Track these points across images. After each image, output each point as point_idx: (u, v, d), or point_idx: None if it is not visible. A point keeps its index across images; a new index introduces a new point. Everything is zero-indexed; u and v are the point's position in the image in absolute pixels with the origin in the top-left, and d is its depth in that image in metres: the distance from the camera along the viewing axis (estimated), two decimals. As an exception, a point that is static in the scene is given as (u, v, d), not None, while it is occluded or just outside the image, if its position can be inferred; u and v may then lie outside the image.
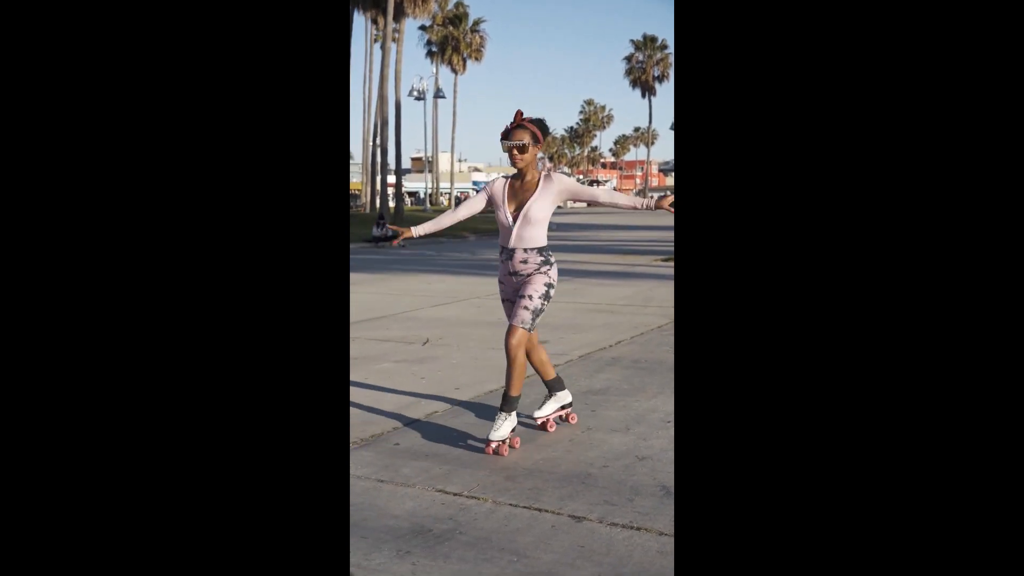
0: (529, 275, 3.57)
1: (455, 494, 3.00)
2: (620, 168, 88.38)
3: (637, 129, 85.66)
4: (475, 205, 3.71)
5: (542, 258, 3.58)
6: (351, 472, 3.16)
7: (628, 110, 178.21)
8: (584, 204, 3.96)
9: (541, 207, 3.54)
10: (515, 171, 3.58)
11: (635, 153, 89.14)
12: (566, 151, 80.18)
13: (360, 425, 3.88)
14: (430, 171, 42.63)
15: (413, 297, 8.95)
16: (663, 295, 8.65)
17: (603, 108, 77.13)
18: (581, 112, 76.95)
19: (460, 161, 46.04)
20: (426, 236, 3.93)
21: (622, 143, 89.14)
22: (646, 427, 3.82)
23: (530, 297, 3.52)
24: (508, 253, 3.58)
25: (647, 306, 7.92)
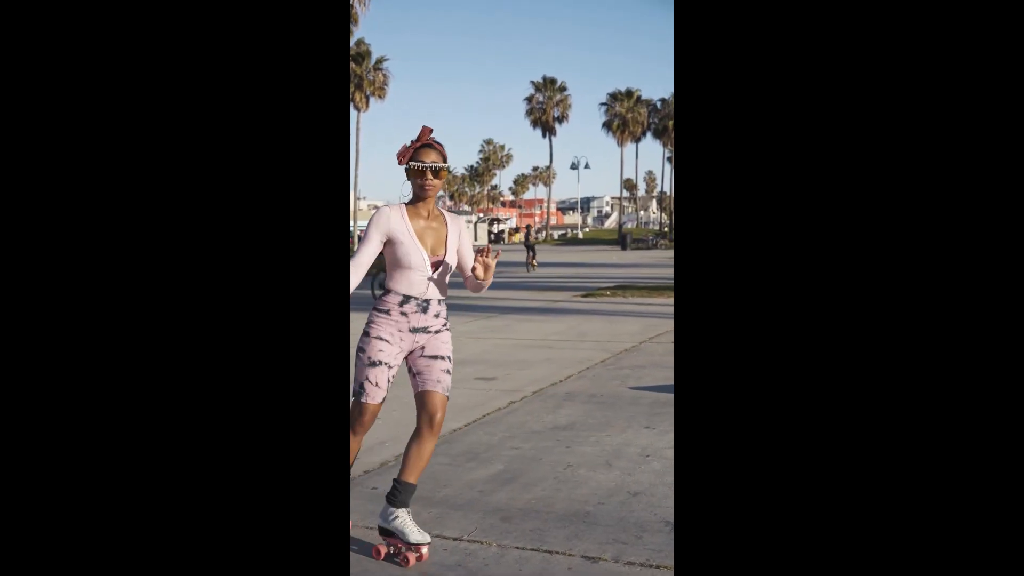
0: (438, 332, 2.85)
1: (455, 539, 2.87)
2: (519, 206, 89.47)
3: (536, 168, 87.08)
4: (374, 248, 2.78)
5: (446, 311, 2.91)
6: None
7: (527, 149, 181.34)
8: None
9: (455, 253, 2.90)
10: (408, 200, 2.86)
11: (534, 192, 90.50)
12: (466, 189, 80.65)
13: (331, 469, 3.68)
14: (331, 208, 41.37)
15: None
16: (595, 330, 8.71)
17: (502, 147, 78.05)
18: (481, 151, 77.60)
19: (360, 199, 45.47)
20: None
21: (521, 182, 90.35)
22: (627, 462, 3.78)
23: (448, 359, 2.85)
24: (421, 304, 2.78)
25: (583, 341, 7.95)
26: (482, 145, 76.46)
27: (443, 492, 3.40)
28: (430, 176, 2.80)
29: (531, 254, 22.94)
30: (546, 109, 56.43)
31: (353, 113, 44.47)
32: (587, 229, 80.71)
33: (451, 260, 2.86)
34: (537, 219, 74.07)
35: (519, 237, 65.28)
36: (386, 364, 2.75)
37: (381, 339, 2.76)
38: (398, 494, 2.76)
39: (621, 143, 55.17)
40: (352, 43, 42.70)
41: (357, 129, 44.35)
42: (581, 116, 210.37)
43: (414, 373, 2.84)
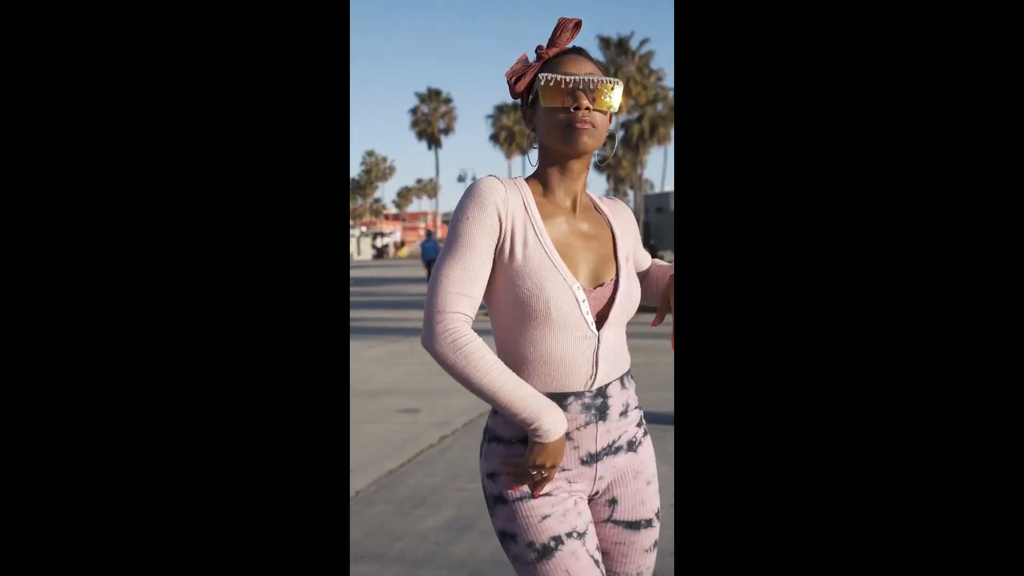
0: (633, 446, 1.50)
1: (426, 602, 2.67)
2: (403, 220, 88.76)
3: (420, 180, 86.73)
4: (483, 265, 1.38)
5: (635, 399, 1.53)
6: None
7: (412, 162, 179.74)
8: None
9: (635, 275, 1.55)
10: (534, 174, 1.50)
11: (418, 204, 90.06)
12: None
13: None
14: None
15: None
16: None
17: (384, 159, 77.26)
18: (363, 163, 76.53)
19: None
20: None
21: (405, 194, 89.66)
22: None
23: (657, 517, 1.53)
24: (595, 404, 1.42)
25: (498, 364, 7.83)
26: (363, 157, 75.47)
27: (397, 546, 3.18)
28: (586, 102, 1.39)
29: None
30: (431, 121, 56.30)
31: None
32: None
33: (631, 290, 1.47)
34: (422, 232, 73.81)
35: (404, 252, 64.82)
36: (574, 535, 1.39)
37: (530, 499, 1.40)
38: None
39: (508, 156, 55.64)
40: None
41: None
42: (468, 128, 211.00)
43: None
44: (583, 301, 1.39)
